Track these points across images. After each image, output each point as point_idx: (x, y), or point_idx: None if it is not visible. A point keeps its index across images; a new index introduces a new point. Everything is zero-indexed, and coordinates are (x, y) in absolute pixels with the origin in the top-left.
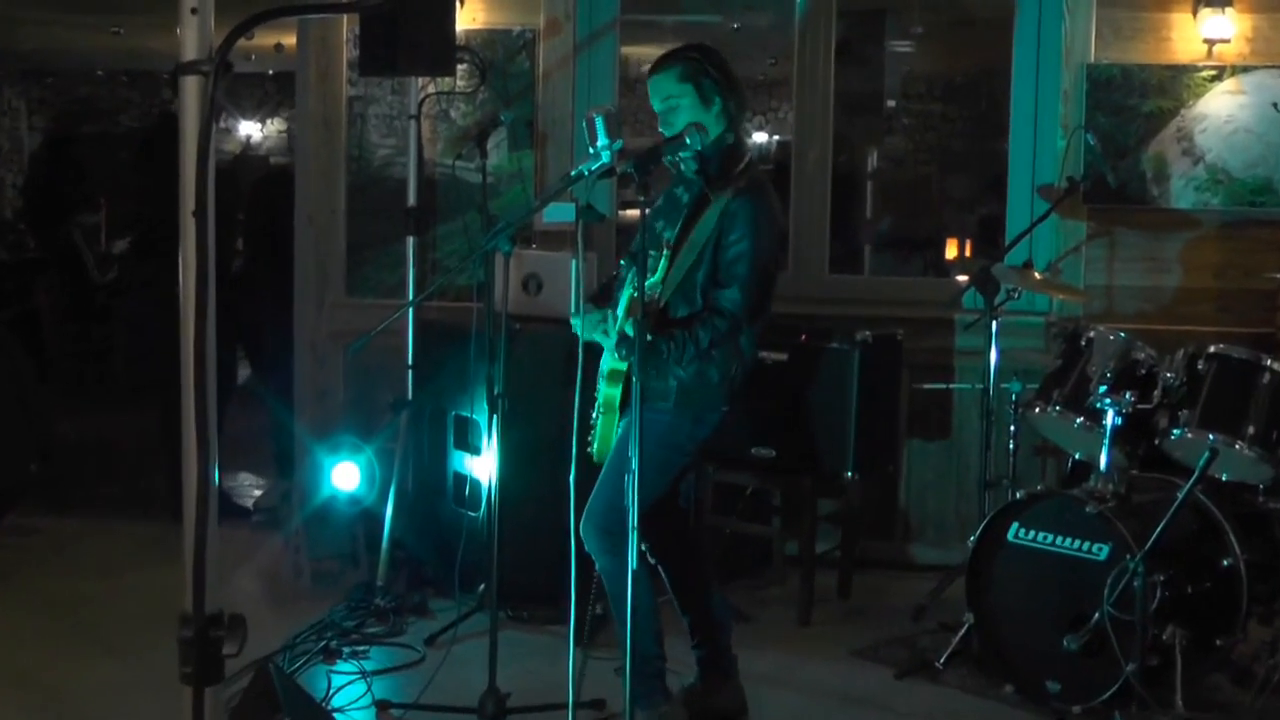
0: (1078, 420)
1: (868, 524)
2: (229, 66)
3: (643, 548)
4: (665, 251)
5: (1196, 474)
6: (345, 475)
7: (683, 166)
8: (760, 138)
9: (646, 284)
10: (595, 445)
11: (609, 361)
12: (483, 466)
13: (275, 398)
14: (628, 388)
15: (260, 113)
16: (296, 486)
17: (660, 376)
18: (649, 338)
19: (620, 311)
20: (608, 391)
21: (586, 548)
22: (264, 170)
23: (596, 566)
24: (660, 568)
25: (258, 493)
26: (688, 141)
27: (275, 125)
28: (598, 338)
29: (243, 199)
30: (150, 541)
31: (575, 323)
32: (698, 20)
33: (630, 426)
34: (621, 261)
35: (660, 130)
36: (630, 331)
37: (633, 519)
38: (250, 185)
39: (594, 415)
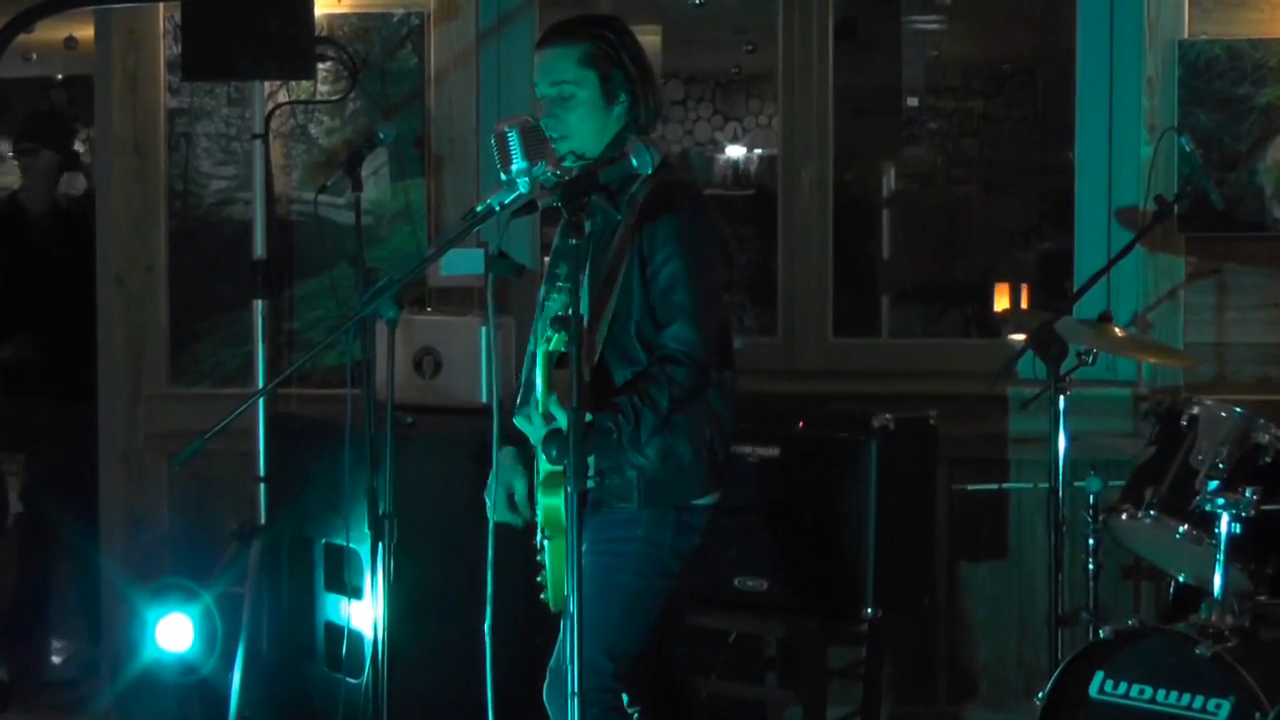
0: (1180, 529)
1: (899, 679)
2: None
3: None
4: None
5: None
6: (173, 633)
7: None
8: (735, 153)
9: (551, 345)
10: (549, 586)
11: (544, 462)
12: (365, 614)
13: (73, 529)
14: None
15: None
16: (106, 650)
17: (615, 469)
18: (588, 418)
19: (538, 384)
20: (547, 503)
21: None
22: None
23: None
24: None
25: (54, 661)
26: (634, 163)
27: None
28: (524, 427)
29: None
30: None
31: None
32: None
33: (584, 546)
34: (550, 331)
35: (543, 123)
36: (558, 417)
37: (572, 680)
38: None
39: (537, 541)
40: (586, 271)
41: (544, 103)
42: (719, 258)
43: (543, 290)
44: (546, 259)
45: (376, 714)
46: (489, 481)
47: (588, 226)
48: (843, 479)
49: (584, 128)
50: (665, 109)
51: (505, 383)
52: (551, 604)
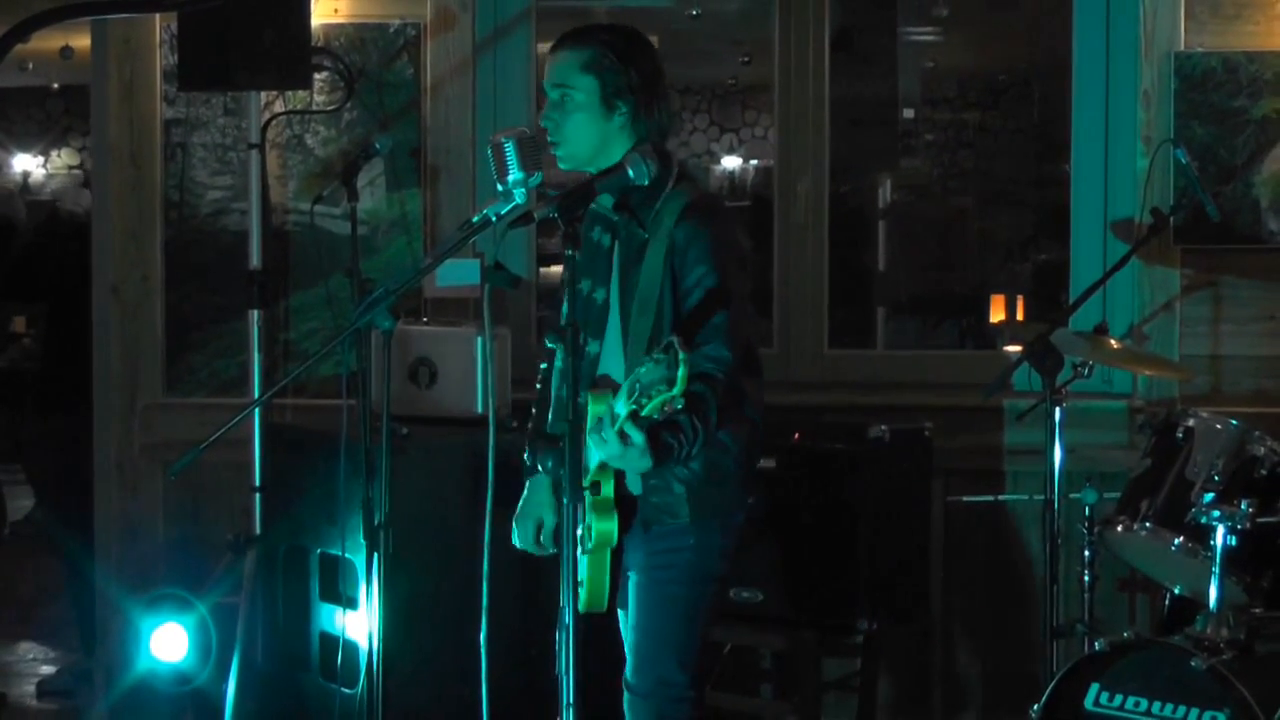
0: (1176, 541)
1: (894, 691)
2: None
3: None
4: (603, 319)
5: None
6: (168, 643)
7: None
8: (731, 164)
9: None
10: (586, 592)
11: (605, 487)
12: (360, 625)
13: (69, 538)
14: (625, 512)
15: (42, 142)
16: (100, 660)
17: (663, 487)
18: (642, 436)
19: (620, 408)
20: (601, 528)
21: None
22: (49, 218)
23: None
24: None
25: (46, 671)
26: (630, 174)
27: (63, 158)
28: (601, 454)
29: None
30: None
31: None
32: (642, 4)
33: (635, 565)
34: (548, 343)
35: (542, 123)
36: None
37: (567, 692)
38: (32, 239)
39: (578, 553)
40: (581, 283)
41: (548, 104)
42: (747, 275)
43: (565, 309)
44: (551, 269)
45: None
46: (519, 506)
47: (603, 239)
48: (838, 491)
49: (580, 133)
50: (675, 123)
51: (501, 394)
52: (587, 606)
